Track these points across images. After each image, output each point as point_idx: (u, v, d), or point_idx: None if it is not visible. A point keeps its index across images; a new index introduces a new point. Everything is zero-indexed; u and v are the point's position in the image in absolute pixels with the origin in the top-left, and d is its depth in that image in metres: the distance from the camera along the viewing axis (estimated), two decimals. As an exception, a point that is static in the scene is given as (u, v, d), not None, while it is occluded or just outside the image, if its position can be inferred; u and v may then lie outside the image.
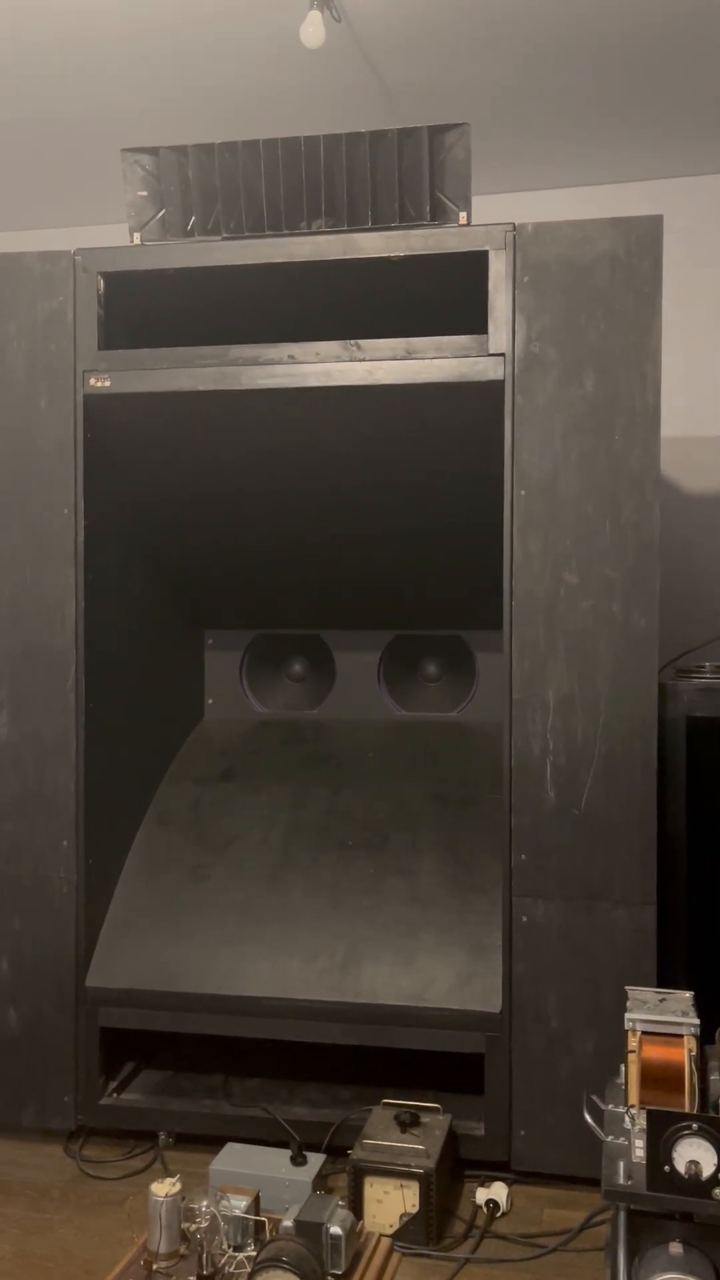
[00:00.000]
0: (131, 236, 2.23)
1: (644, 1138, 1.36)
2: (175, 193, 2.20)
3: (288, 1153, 1.96)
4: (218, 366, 2.15)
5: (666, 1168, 1.28)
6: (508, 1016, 2.05)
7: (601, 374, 2.03)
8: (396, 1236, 1.85)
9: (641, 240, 2.02)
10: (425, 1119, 2.01)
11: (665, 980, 2.13)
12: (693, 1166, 1.28)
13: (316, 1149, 2.05)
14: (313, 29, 2.23)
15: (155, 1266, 1.69)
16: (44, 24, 2.48)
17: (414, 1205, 1.85)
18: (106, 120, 2.95)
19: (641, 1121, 1.39)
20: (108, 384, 2.18)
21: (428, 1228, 1.85)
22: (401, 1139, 1.94)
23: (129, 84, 2.76)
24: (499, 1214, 1.95)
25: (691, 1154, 1.28)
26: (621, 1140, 1.41)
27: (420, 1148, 1.90)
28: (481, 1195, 1.96)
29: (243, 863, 2.36)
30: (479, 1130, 2.08)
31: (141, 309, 2.30)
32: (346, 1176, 1.90)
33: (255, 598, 2.67)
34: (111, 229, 3.58)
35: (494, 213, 3.25)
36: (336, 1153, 2.07)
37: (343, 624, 2.72)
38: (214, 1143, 2.14)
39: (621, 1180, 1.31)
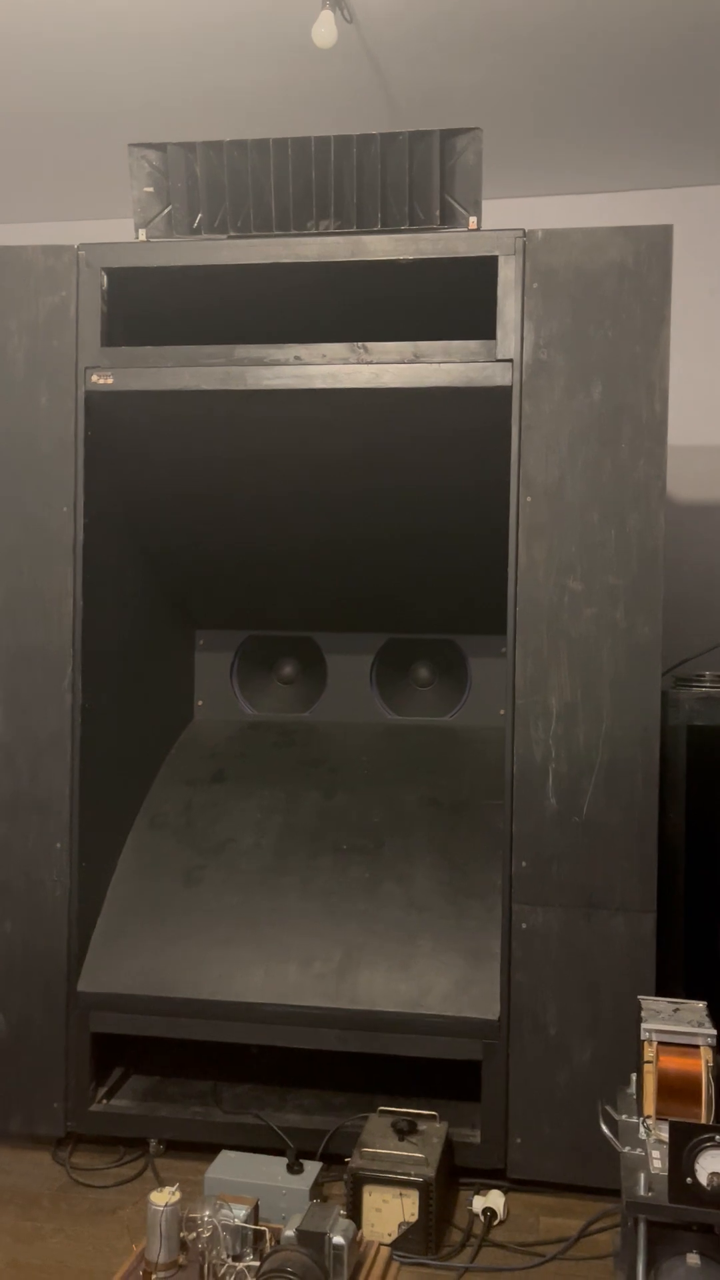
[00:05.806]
0: (137, 233, 2.20)
1: (661, 1148, 1.36)
2: (182, 190, 2.18)
3: (283, 1160, 1.95)
4: (223, 366, 2.13)
5: (689, 1179, 1.28)
6: (505, 1024, 2.05)
7: (609, 383, 2.04)
8: (396, 1245, 1.84)
9: (651, 250, 2.03)
10: (423, 1126, 2.00)
11: (663, 988, 2.14)
12: (715, 1178, 1.28)
13: (310, 1156, 2.03)
14: (325, 29, 2.22)
15: (154, 1277, 1.67)
16: (53, 19, 2.44)
17: (413, 1214, 1.84)
18: (113, 115, 2.91)
19: (658, 1132, 1.39)
20: (110, 381, 2.15)
21: (427, 1237, 1.84)
22: (400, 1147, 1.92)
23: (137, 80, 2.73)
24: (496, 1222, 1.95)
25: (714, 1166, 1.28)
26: (638, 1151, 1.41)
27: (420, 1156, 1.89)
28: (478, 1204, 1.95)
29: (236, 866, 2.34)
30: (474, 1138, 2.08)
31: (145, 306, 2.27)
32: (345, 1185, 1.88)
33: (247, 598, 2.64)
34: (116, 223, 3.52)
35: (502, 216, 3.25)
36: (330, 1160, 2.06)
37: (335, 626, 2.70)
38: (205, 1149, 2.12)
39: (643, 1192, 1.31)
